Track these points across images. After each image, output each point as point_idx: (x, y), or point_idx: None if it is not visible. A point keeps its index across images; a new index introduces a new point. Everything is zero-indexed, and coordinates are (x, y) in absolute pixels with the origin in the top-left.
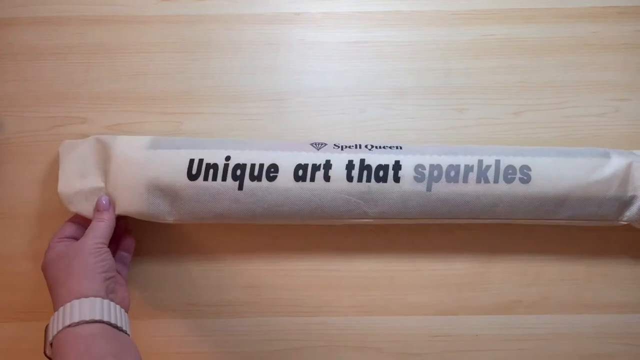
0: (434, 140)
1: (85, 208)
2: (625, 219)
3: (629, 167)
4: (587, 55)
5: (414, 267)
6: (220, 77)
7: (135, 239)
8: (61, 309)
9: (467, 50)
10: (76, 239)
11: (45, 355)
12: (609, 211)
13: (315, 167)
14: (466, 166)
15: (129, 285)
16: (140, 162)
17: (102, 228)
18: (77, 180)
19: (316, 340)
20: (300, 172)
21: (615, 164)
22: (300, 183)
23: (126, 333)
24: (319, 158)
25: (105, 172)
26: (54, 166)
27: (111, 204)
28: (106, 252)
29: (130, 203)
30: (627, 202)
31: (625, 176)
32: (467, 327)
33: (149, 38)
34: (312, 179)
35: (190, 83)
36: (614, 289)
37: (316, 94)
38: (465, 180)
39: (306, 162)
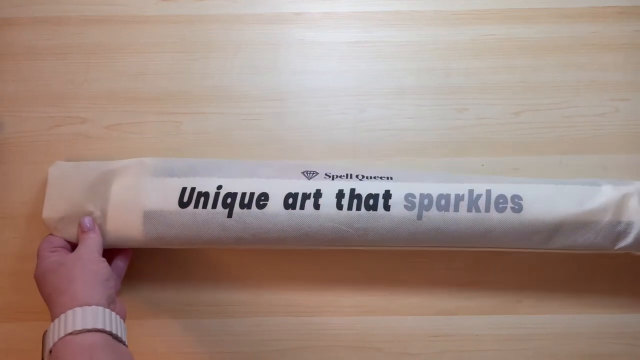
0: (433, 140)
1: (72, 233)
2: (620, 248)
3: (622, 195)
4: (587, 55)
5: (414, 267)
6: (220, 77)
7: None
8: (63, 316)
9: (467, 50)
10: (69, 249)
11: None
12: (604, 240)
13: (306, 196)
14: (457, 195)
15: (130, 286)
16: (138, 191)
17: (94, 244)
18: (64, 205)
19: (316, 340)
20: (290, 200)
21: (607, 192)
22: (290, 210)
23: (125, 344)
24: (309, 187)
25: (100, 199)
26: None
27: (95, 223)
28: (104, 262)
29: (125, 228)
30: (622, 232)
31: (619, 204)
32: (467, 327)
33: (149, 38)
34: (302, 207)
35: (190, 83)
36: (614, 289)
37: (316, 94)
38: (456, 209)
39: (297, 191)
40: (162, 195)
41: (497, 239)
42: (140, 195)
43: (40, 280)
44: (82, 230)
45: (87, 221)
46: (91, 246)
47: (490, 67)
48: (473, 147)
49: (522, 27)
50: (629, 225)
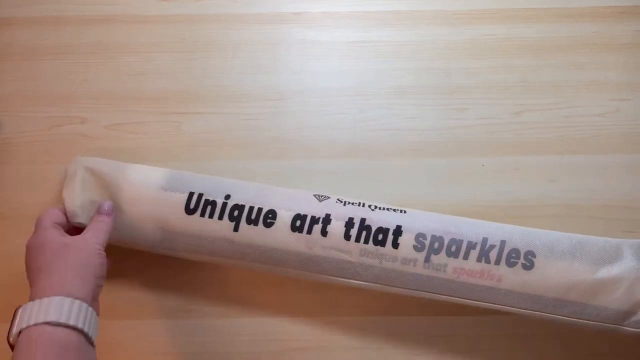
0: (433, 139)
1: (85, 219)
2: (629, 325)
3: (637, 270)
4: (587, 55)
5: None
6: (220, 77)
7: None
8: (47, 299)
9: (467, 50)
10: (66, 230)
11: (8, 341)
12: (612, 315)
13: (314, 220)
14: (469, 242)
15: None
16: (149, 201)
17: (103, 231)
18: (82, 194)
19: (316, 340)
20: (298, 223)
21: (626, 264)
22: (297, 234)
23: (94, 346)
24: (319, 211)
25: (113, 199)
26: (54, 166)
27: (112, 210)
28: (104, 257)
29: (135, 228)
30: (632, 307)
31: (635, 279)
32: (467, 327)
33: (149, 38)
34: (309, 232)
35: (190, 83)
36: None
37: (316, 94)
38: (466, 257)
39: (305, 213)
40: (169, 200)
41: (502, 297)
42: (154, 205)
43: (34, 252)
44: (99, 212)
45: (106, 205)
46: (99, 233)
47: (490, 67)
48: (473, 147)
49: (522, 27)
50: None
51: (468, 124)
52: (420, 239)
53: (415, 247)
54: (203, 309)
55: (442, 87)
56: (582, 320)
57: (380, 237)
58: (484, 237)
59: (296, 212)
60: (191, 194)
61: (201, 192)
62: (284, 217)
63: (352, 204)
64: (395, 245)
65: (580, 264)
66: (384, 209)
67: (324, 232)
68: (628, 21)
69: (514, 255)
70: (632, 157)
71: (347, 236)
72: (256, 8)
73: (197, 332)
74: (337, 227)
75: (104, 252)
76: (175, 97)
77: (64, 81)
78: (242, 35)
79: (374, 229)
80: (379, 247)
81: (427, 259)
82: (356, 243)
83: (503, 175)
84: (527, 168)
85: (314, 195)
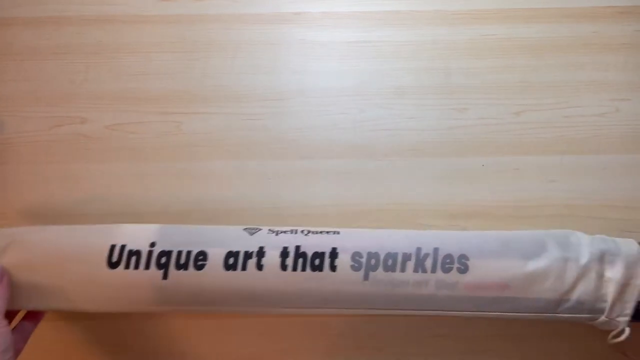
0: (434, 139)
1: None
2: (563, 312)
3: (564, 261)
4: (587, 55)
5: None
6: (220, 77)
7: None
8: None
9: (467, 50)
10: None
11: None
12: (548, 304)
13: (248, 255)
14: (404, 254)
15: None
16: (59, 244)
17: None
18: None
19: (316, 340)
20: (231, 261)
21: (551, 254)
22: (231, 272)
23: None
24: (252, 245)
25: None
26: (54, 166)
27: (5, 271)
28: (3, 327)
29: (40, 287)
30: (564, 295)
31: (561, 269)
32: (467, 326)
33: (149, 38)
34: (244, 268)
35: (190, 83)
36: None
37: (316, 94)
38: (403, 269)
39: (238, 250)
40: (88, 251)
41: (443, 302)
42: (62, 247)
43: None
44: None
45: None
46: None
47: (490, 67)
48: (473, 147)
49: (522, 27)
50: (569, 292)
51: (468, 124)
52: (357, 257)
53: (352, 267)
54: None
55: (442, 87)
56: (522, 314)
57: (317, 262)
58: (417, 247)
59: (228, 250)
60: (112, 247)
61: (124, 242)
62: (216, 257)
63: (285, 232)
64: (332, 267)
65: (510, 260)
66: (317, 232)
67: (259, 266)
68: (628, 21)
69: (448, 261)
70: (632, 157)
71: (283, 266)
72: (256, 8)
73: (195, 331)
74: (272, 259)
75: (3, 321)
76: (175, 97)
77: (64, 81)
78: (242, 35)
79: (309, 255)
80: (317, 272)
81: (365, 277)
82: (293, 272)
83: (503, 175)
84: (527, 168)
85: (245, 230)
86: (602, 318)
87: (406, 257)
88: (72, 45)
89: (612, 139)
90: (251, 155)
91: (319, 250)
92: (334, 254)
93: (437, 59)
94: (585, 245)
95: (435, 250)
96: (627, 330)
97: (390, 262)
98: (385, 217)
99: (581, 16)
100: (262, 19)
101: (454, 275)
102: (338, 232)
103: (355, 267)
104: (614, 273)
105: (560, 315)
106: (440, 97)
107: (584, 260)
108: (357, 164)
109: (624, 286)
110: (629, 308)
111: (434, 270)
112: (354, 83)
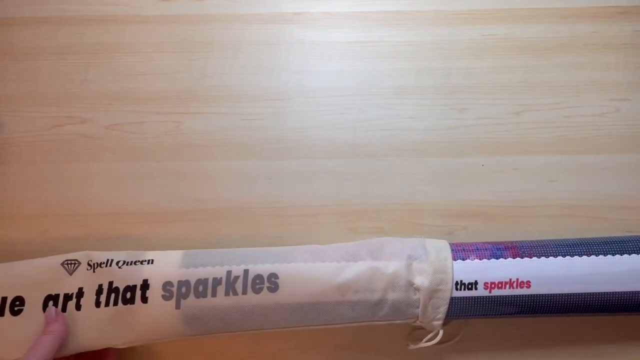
0: (433, 139)
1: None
2: (381, 319)
3: (371, 269)
4: (587, 55)
5: None
6: (220, 77)
7: None
8: None
9: (467, 50)
10: None
11: None
12: (363, 312)
13: (68, 297)
14: (214, 279)
15: None
16: None
17: (48, 339)
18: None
19: (316, 340)
20: (51, 304)
21: (359, 266)
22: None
23: None
24: (71, 285)
25: None
26: (54, 166)
27: (59, 313)
28: None
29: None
30: (377, 303)
31: (369, 278)
32: (467, 326)
33: (149, 38)
34: (64, 310)
35: (190, 83)
36: None
37: (316, 94)
38: (214, 294)
39: (57, 292)
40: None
41: (260, 322)
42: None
43: None
44: (46, 323)
45: (53, 310)
46: (37, 350)
47: (490, 67)
48: (473, 147)
49: (522, 27)
50: (381, 298)
51: (468, 124)
52: (168, 287)
53: (164, 297)
54: None
55: (442, 87)
56: (343, 324)
57: (128, 295)
58: (227, 271)
59: (47, 294)
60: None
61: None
62: (34, 301)
63: (101, 265)
64: (144, 299)
65: (320, 274)
66: (131, 263)
67: (78, 307)
68: (628, 21)
69: (258, 281)
70: (632, 157)
71: (97, 304)
72: (256, 8)
73: None
74: (88, 298)
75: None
76: (175, 97)
77: (64, 81)
78: (242, 35)
79: (121, 290)
80: (129, 305)
81: (177, 306)
82: (106, 307)
83: (503, 175)
84: (527, 168)
85: (63, 266)
86: (418, 322)
87: (216, 282)
88: (72, 45)
89: (612, 139)
90: (251, 155)
91: (131, 283)
92: (145, 285)
93: (437, 59)
94: (395, 254)
95: (246, 271)
96: (441, 332)
97: (201, 288)
98: (385, 217)
99: (581, 16)
100: (262, 19)
101: (265, 296)
102: (152, 261)
103: (167, 297)
104: (422, 280)
105: (378, 322)
106: (440, 97)
107: (391, 269)
108: (357, 164)
109: (433, 292)
110: (441, 312)
111: (245, 292)
112: (354, 83)
